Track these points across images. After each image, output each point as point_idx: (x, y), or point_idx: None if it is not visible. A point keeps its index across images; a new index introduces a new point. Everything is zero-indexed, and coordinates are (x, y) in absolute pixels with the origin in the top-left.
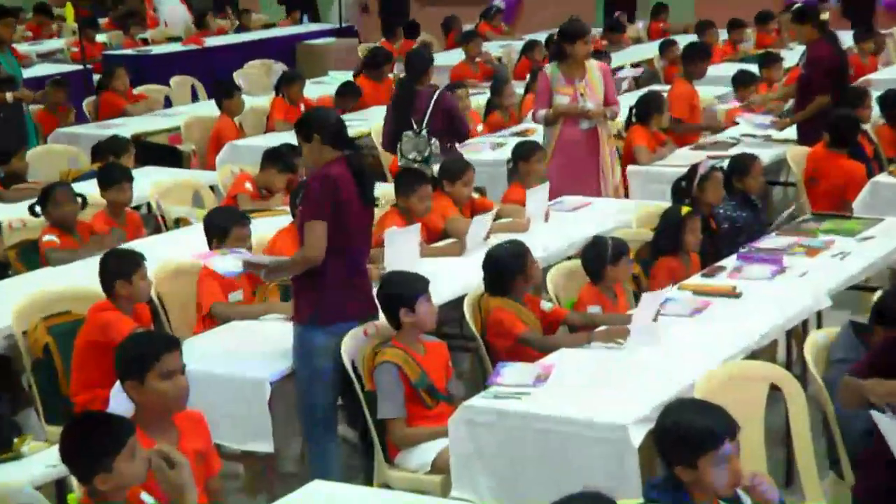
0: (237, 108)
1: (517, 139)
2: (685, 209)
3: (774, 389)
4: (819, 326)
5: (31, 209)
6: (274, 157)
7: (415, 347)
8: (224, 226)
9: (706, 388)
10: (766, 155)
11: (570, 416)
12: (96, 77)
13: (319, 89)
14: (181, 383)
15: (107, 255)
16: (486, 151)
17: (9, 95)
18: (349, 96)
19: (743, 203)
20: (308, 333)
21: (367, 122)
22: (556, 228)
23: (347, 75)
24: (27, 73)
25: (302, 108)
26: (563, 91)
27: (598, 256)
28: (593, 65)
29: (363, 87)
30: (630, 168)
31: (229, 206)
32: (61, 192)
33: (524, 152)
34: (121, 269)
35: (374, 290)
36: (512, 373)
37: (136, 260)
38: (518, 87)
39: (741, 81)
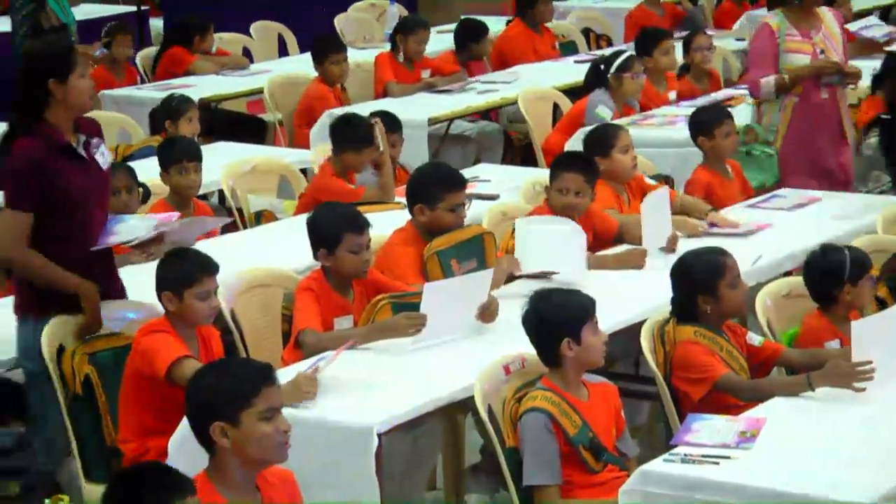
0: (338, 76)
1: None
2: None
3: None
4: None
5: None
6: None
7: (574, 391)
8: (335, 232)
9: None
10: None
11: (789, 492)
12: (154, 23)
13: (447, 41)
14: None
15: (165, 256)
16: (665, 128)
17: None
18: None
19: None
20: None
21: (514, 85)
22: (769, 234)
23: (490, 22)
24: None
25: (423, 73)
26: (797, 47)
27: (828, 273)
28: (826, 12)
29: (517, 36)
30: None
31: (342, 204)
32: (118, 176)
33: (705, 123)
34: (171, 278)
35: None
36: (707, 429)
37: (197, 270)
38: (723, 40)
39: None
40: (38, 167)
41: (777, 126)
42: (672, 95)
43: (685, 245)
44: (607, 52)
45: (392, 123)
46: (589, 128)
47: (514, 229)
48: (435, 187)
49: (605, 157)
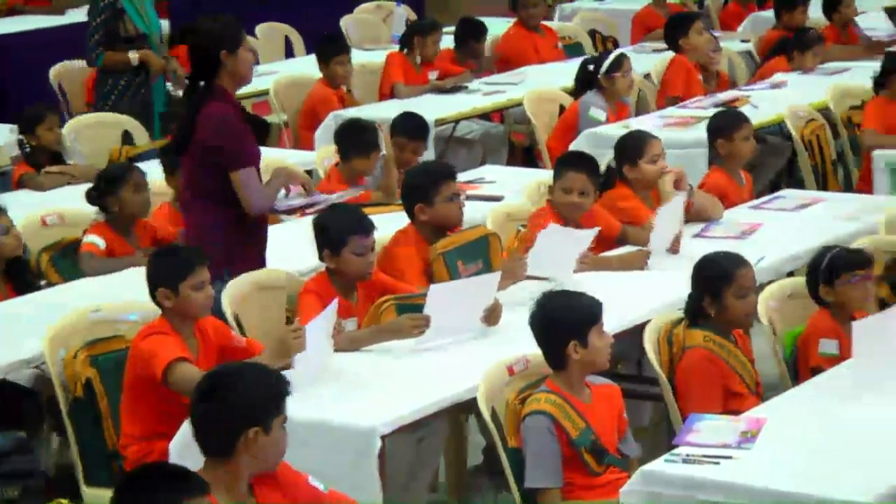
0: (342, 77)
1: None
2: None
3: None
4: None
5: (91, 195)
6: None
7: (578, 393)
8: (340, 234)
9: None
10: None
11: (789, 491)
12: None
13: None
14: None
15: (154, 254)
16: (672, 129)
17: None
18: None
19: None
20: None
21: (521, 86)
22: (772, 235)
23: (493, 23)
24: None
25: (430, 74)
26: None
27: (809, 274)
28: None
29: (518, 36)
30: (876, 153)
31: (347, 206)
32: (140, 176)
33: (724, 126)
34: (165, 273)
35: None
36: (708, 429)
37: (190, 262)
38: (729, 41)
39: None
40: (243, 127)
41: None
42: None
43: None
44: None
45: (420, 129)
46: (589, 130)
47: (518, 231)
48: (427, 183)
49: (633, 167)
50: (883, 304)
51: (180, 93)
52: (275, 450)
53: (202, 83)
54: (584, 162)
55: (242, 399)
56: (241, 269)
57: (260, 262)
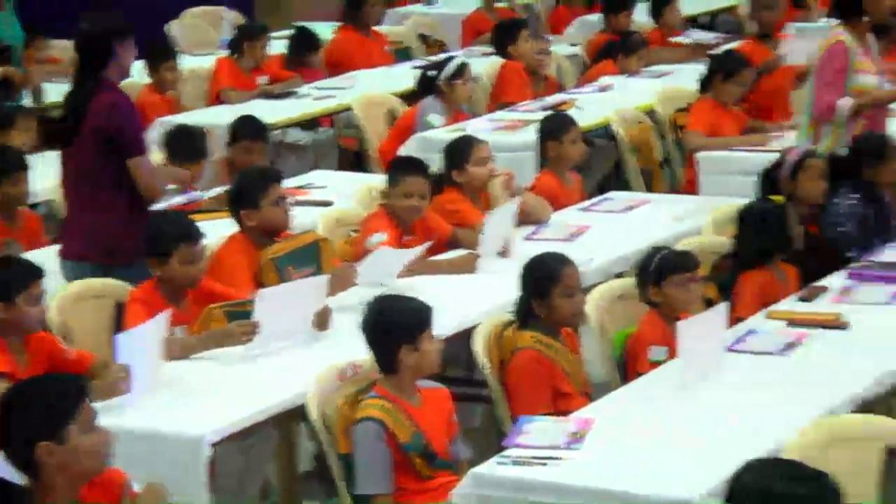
0: (170, 82)
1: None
2: (778, 200)
3: (893, 456)
4: None
5: None
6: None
7: (408, 397)
8: (167, 242)
9: (800, 450)
10: None
11: (617, 490)
12: None
13: (281, 47)
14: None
15: None
16: (501, 131)
17: None
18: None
19: (868, 198)
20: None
21: (350, 91)
22: (601, 236)
23: (321, 27)
24: None
25: (259, 79)
26: (865, 66)
27: (646, 273)
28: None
29: (347, 40)
30: (701, 155)
31: (174, 213)
32: None
33: (553, 129)
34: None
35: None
36: (537, 430)
37: (24, 276)
38: (557, 45)
39: None
40: (137, 114)
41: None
42: None
43: (533, 248)
44: (441, 57)
45: (263, 130)
46: (421, 135)
47: (349, 235)
48: (251, 188)
49: (462, 170)
50: (710, 304)
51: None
52: (80, 457)
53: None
54: (421, 166)
55: (26, 416)
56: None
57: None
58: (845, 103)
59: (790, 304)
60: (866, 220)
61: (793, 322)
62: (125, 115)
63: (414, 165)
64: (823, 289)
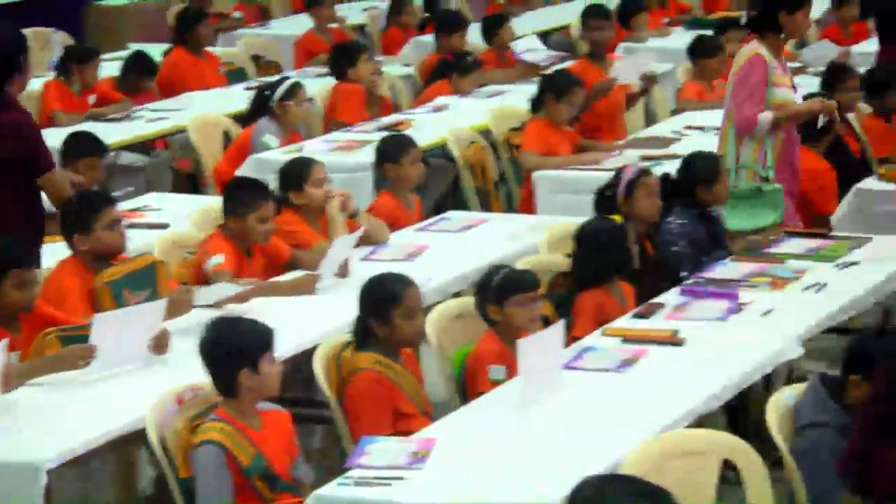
0: None
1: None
2: (617, 219)
3: (729, 468)
4: (789, 382)
5: None
6: None
7: (248, 420)
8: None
9: (638, 464)
10: None
11: None
12: None
13: (113, 69)
14: None
15: None
16: (337, 152)
17: None
18: (141, 75)
19: (700, 217)
20: None
21: (184, 112)
22: (439, 256)
23: (154, 49)
24: None
25: (89, 99)
26: (781, 80)
27: (486, 291)
28: None
29: (179, 62)
30: (536, 174)
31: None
32: None
33: (392, 150)
34: None
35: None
36: (379, 451)
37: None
38: (390, 65)
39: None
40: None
41: (771, 163)
42: None
43: (371, 269)
44: (275, 78)
45: (99, 144)
46: (256, 156)
47: (184, 258)
48: (83, 212)
49: (299, 191)
50: (547, 322)
51: None
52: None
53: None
54: (267, 188)
55: None
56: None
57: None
58: (765, 117)
59: (627, 322)
60: (698, 240)
61: (629, 339)
62: (34, 134)
63: (262, 189)
64: (659, 306)
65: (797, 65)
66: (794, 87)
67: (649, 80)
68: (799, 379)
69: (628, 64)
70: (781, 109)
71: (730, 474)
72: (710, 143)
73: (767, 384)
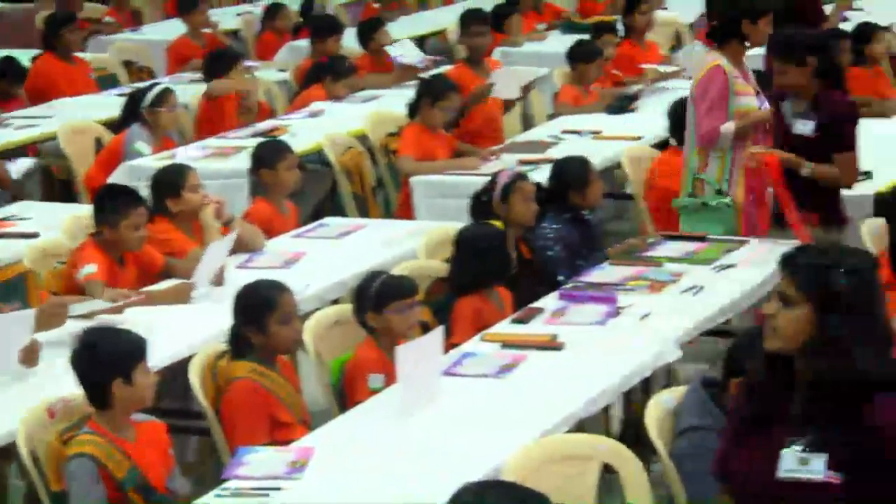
0: None
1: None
2: (497, 224)
3: (608, 472)
4: (668, 385)
5: None
6: None
7: (122, 432)
8: None
9: (518, 470)
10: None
11: None
12: None
13: None
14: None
15: None
16: (211, 158)
17: None
18: (9, 82)
19: (573, 221)
20: None
21: (54, 119)
22: (314, 262)
23: (22, 54)
24: None
25: None
26: (744, 89)
27: (364, 298)
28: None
29: (48, 68)
30: (414, 179)
31: None
32: None
33: (268, 156)
34: None
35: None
36: (257, 461)
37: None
38: (265, 70)
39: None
40: None
41: (732, 176)
42: None
43: (248, 276)
44: (147, 84)
45: None
46: (129, 163)
47: (55, 267)
48: None
49: (177, 198)
50: (425, 328)
51: None
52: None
53: None
54: (139, 195)
55: None
56: None
57: None
58: (728, 129)
59: (505, 327)
60: (572, 244)
61: (508, 344)
62: None
63: (135, 196)
64: (538, 310)
65: (673, 68)
66: (757, 93)
67: (526, 89)
68: (677, 382)
69: (507, 77)
70: (742, 118)
71: (609, 478)
72: (586, 147)
73: (646, 388)
